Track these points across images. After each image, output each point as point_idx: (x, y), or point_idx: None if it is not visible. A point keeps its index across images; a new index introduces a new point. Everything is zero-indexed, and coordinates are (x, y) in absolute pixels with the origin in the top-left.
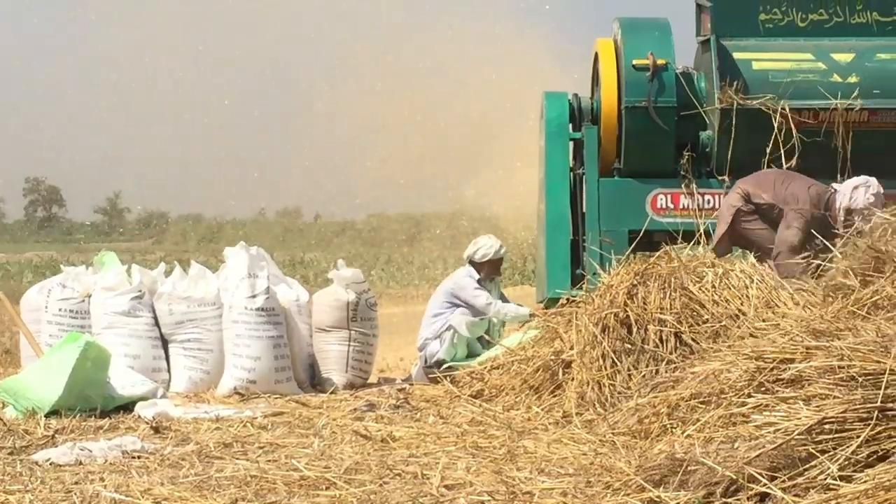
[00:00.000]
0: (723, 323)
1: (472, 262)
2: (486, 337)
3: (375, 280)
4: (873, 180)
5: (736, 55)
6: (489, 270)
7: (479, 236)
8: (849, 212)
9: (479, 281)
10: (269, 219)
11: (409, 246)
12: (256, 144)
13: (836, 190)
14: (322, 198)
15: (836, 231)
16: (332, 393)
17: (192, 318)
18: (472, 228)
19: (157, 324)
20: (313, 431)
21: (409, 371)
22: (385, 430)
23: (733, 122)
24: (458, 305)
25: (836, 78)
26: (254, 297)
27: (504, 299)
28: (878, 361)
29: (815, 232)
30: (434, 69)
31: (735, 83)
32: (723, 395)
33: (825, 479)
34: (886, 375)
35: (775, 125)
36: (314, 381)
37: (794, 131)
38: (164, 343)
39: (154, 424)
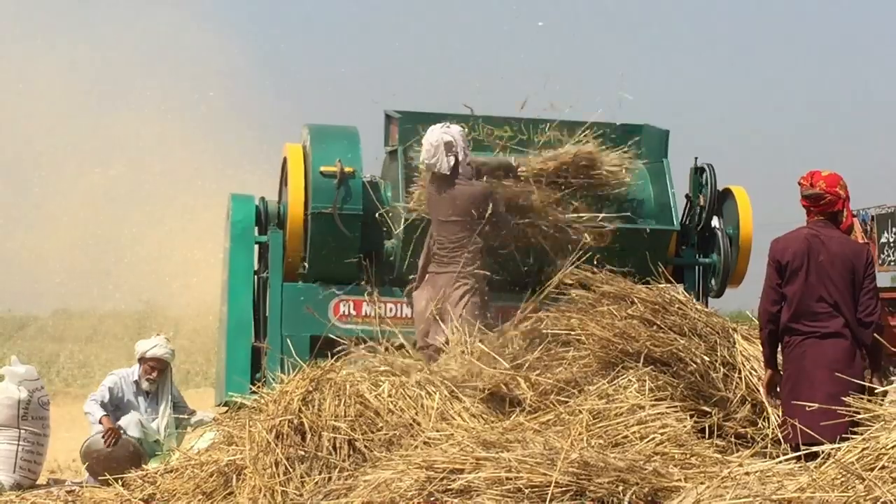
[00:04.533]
0: (396, 432)
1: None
2: (163, 443)
3: (54, 377)
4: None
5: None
6: (145, 368)
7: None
8: (449, 146)
9: (135, 381)
10: None
11: (94, 343)
12: None
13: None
14: (6, 291)
15: None
16: None
17: None
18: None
19: None
20: None
21: (81, 472)
22: None
23: (415, 234)
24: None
25: None
26: None
27: (179, 402)
28: (544, 474)
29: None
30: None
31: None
32: None
33: None
34: (552, 488)
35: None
36: None
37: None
38: None
39: None
